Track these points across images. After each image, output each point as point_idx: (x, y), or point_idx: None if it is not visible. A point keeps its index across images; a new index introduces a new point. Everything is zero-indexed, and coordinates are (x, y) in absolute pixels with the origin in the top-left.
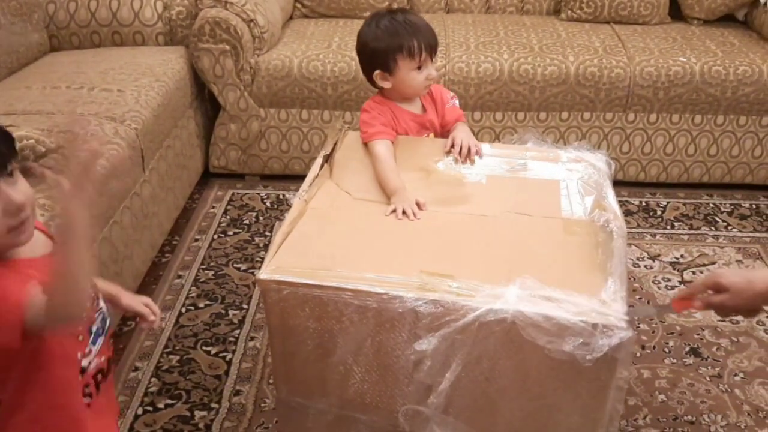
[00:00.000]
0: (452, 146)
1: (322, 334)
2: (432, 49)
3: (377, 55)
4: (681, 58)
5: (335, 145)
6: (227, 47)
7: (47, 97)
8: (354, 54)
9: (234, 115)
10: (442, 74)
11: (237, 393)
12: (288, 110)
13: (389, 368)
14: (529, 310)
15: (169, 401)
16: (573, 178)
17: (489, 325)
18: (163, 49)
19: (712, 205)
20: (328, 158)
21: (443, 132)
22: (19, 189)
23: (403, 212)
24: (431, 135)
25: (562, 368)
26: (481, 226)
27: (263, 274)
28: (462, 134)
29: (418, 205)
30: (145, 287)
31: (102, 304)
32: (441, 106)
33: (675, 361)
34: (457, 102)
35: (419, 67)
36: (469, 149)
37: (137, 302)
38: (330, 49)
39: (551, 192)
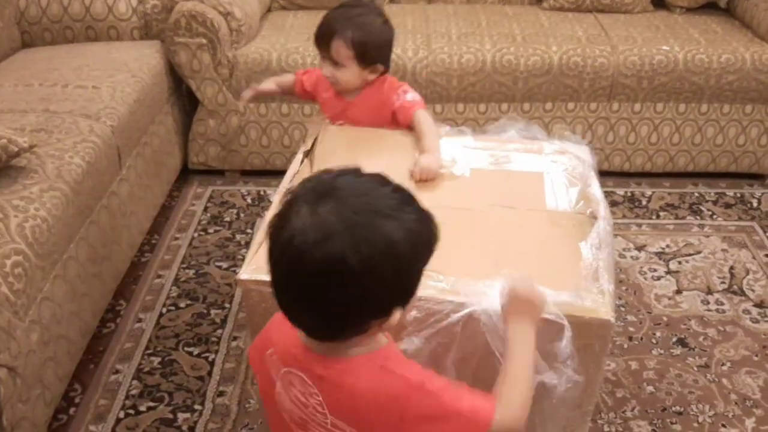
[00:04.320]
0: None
1: None
2: (321, 42)
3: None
4: (664, 47)
5: (315, 140)
6: (204, 41)
7: (20, 95)
8: None
9: (212, 111)
10: (424, 66)
11: (221, 394)
12: (267, 104)
13: None
14: None
15: (151, 404)
16: (557, 169)
17: (474, 323)
18: (138, 44)
19: (697, 194)
20: (308, 154)
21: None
22: None
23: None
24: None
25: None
26: (466, 220)
27: (244, 274)
28: (423, 163)
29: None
30: (124, 288)
31: None
32: (387, 109)
33: (662, 351)
34: (408, 96)
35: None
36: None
37: None
38: (309, 41)
39: (536, 184)
